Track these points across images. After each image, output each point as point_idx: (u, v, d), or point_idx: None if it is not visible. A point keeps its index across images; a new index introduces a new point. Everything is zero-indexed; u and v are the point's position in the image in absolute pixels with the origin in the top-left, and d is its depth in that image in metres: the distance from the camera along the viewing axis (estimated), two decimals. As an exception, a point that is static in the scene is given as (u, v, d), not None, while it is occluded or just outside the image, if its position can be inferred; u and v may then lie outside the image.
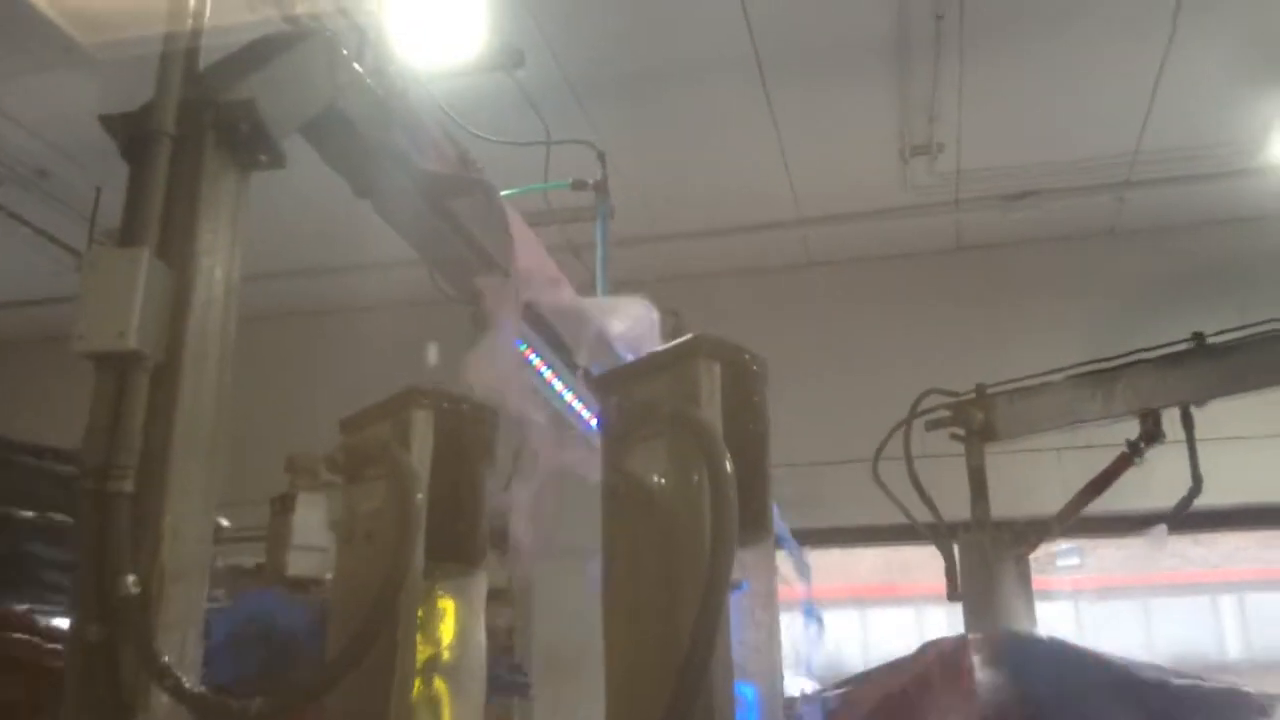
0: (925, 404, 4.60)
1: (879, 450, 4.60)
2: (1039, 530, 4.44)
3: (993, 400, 4.49)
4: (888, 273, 7.29)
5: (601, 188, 4.36)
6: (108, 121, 1.97)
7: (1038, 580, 4.48)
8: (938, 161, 6.28)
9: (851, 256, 7.31)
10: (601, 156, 4.35)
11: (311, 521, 3.48)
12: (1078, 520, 4.59)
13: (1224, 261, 6.46)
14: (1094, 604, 10.19)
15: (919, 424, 4.59)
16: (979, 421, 4.44)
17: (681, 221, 6.84)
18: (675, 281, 6.04)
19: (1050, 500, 4.62)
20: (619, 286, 4.45)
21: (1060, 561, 9.64)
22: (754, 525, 1.80)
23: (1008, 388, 4.50)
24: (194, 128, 1.90)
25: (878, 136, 6.22)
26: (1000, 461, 4.49)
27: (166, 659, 1.68)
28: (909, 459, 4.52)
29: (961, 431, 4.50)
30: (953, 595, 4.35)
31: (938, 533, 4.48)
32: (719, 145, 6.28)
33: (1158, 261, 6.72)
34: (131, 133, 1.92)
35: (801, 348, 6.56)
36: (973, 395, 4.52)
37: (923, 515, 4.55)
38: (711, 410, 1.80)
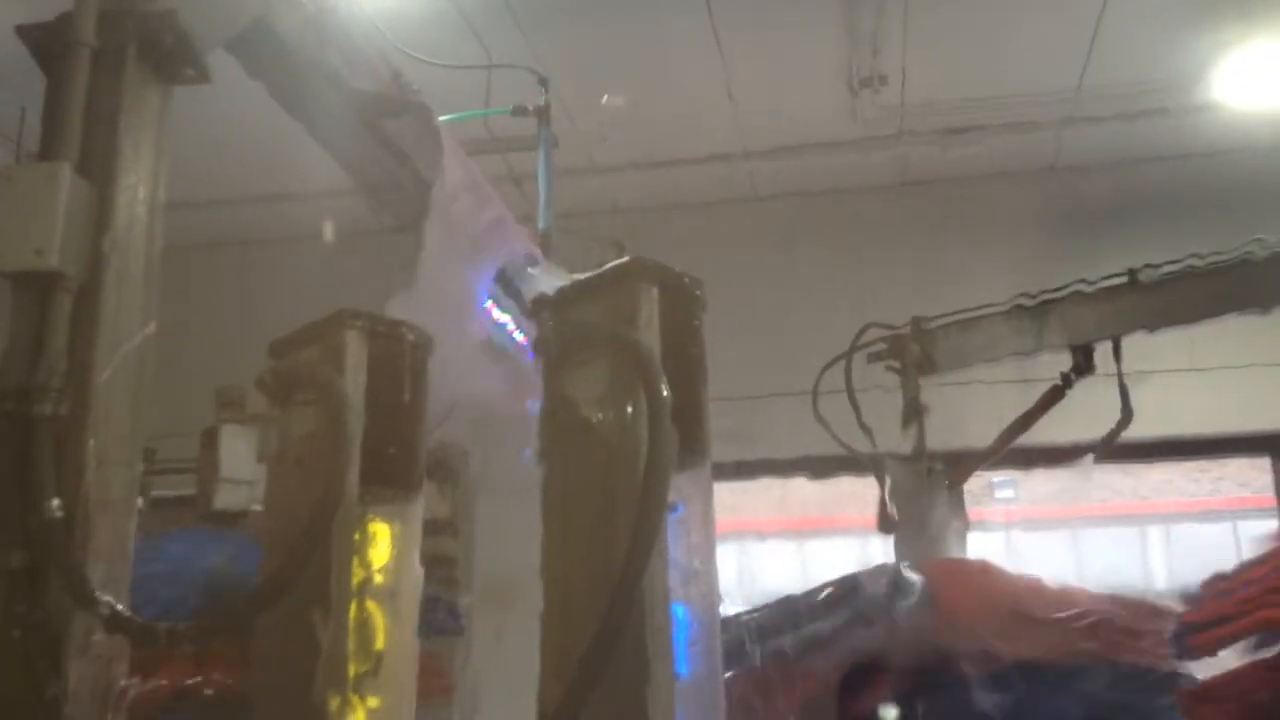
0: (866, 338, 4.63)
1: (817, 382, 4.63)
2: (970, 462, 4.52)
3: (929, 334, 4.53)
4: (832, 208, 7.26)
5: (543, 114, 4.26)
6: (24, 32, 1.90)
7: (973, 511, 4.57)
8: (881, 95, 6.25)
9: (796, 191, 7.28)
10: (544, 81, 4.25)
11: (238, 454, 3.45)
12: (1010, 452, 4.68)
13: (1161, 197, 6.54)
14: (1025, 534, 10.43)
15: (860, 358, 4.62)
16: (915, 354, 4.48)
17: (625, 153, 6.77)
18: (618, 214, 5.99)
19: (983, 433, 4.69)
20: (562, 218, 4.40)
21: (998, 493, 9.86)
22: (690, 449, 1.80)
23: (944, 321, 4.54)
24: (115, 38, 1.84)
25: (825, 68, 6.17)
26: (935, 394, 4.54)
27: (93, 585, 1.65)
28: (850, 391, 4.56)
29: (899, 365, 4.55)
30: (884, 526, 4.42)
31: (875, 464, 4.54)
32: (664, 75, 6.18)
33: (1096, 197, 6.77)
34: (49, 43, 1.85)
35: (745, 282, 6.54)
36: (909, 329, 4.56)
37: (860, 448, 4.60)
38: (649, 333, 1.79)
